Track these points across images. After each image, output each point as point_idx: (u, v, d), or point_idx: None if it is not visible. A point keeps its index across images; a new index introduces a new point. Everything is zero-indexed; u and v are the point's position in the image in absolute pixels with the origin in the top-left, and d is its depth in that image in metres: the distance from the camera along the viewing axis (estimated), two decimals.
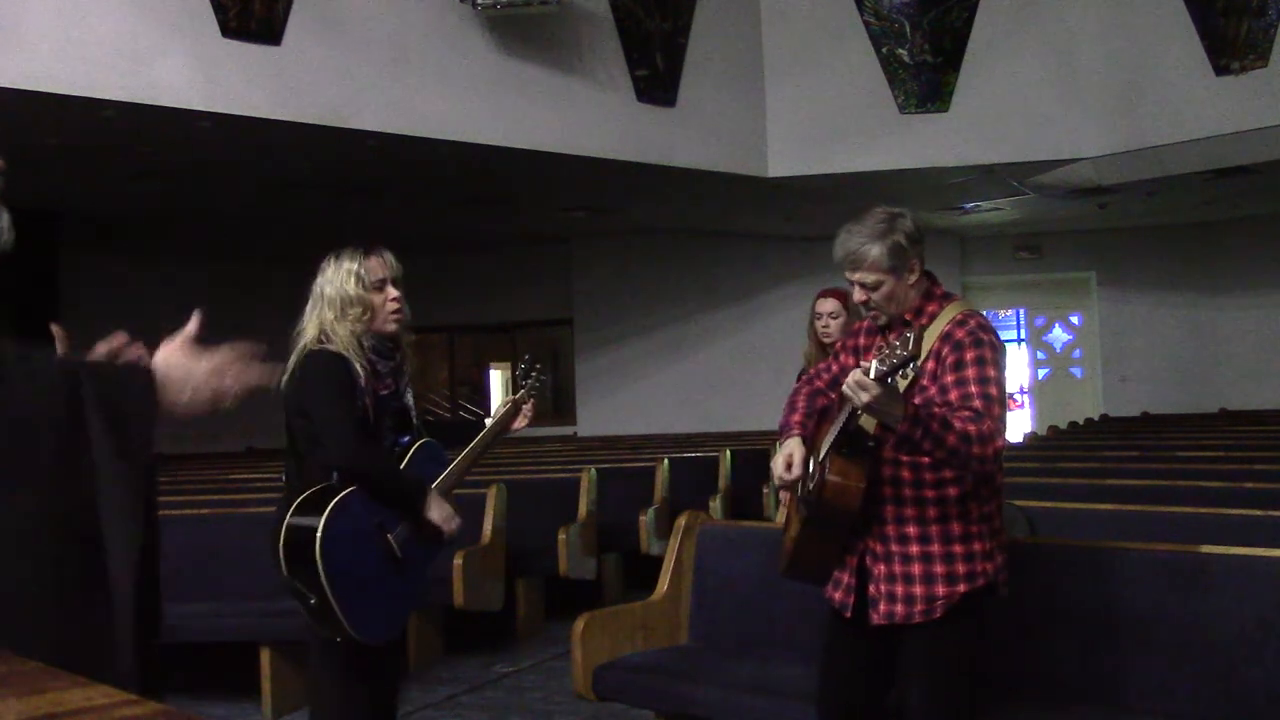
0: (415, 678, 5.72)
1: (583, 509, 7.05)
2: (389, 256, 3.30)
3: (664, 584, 4.29)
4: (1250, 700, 3.04)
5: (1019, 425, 13.42)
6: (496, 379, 15.37)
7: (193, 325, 1.94)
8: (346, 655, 3.19)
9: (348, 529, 3.08)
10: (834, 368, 3.10)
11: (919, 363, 2.61)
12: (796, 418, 2.98)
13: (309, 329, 3.25)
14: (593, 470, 7.31)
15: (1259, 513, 4.14)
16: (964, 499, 2.80)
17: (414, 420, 3.40)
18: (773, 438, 6.04)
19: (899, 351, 2.49)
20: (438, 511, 3.25)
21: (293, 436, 3.29)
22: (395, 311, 3.27)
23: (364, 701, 3.27)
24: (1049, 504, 4.70)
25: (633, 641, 4.14)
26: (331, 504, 3.07)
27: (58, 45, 6.45)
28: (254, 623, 5.08)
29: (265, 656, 5.10)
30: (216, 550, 5.60)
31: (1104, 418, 11.80)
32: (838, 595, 2.93)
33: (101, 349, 1.95)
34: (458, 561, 5.68)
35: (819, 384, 3.10)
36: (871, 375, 2.51)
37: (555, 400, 14.76)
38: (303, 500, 3.11)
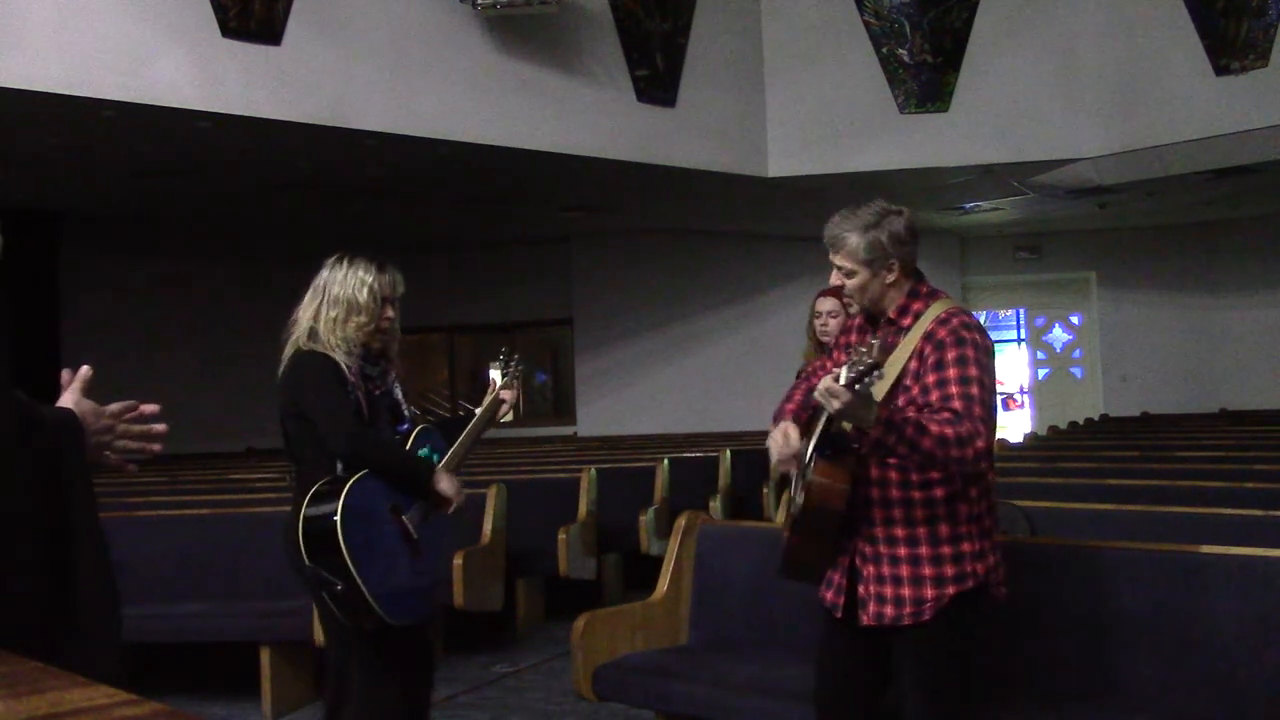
0: None
1: (583, 509, 7.05)
2: (399, 278, 3.43)
3: (664, 584, 4.29)
4: (1250, 700, 3.04)
5: (1019, 425, 13.41)
6: (496, 379, 15.32)
7: (84, 373, 1.96)
8: (375, 648, 3.25)
9: (365, 510, 3.17)
10: (828, 365, 3.10)
11: (882, 370, 2.58)
12: (790, 405, 2.98)
13: (303, 320, 3.35)
14: (593, 470, 7.31)
15: (1259, 513, 4.14)
16: (952, 500, 2.76)
17: (406, 413, 3.51)
18: None
19: (866, 359, 2.47)
20: (448, 484, 3.37)
21: (288, 438, 3.37)
22: (386, 330, 3.40)
23: (395, 695, 3.31)
24: (1049, 504, 4.70)
25: (633, 641, 4.14)
26: (347, 487, 3.15)
27: (58, 45, 6.45)
28: (254, 623, 5.09)
29: (265, 656, 5.09)
30: (216, 550, 5.61)
31: (1104, 418, 11.80)
32: (829, 595, 2.93)
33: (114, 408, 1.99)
34: (458, 561, 5.67)
35: (815, 382, 3.09)
36: (841, 381, 2.51)
37: (555, 400, 14.75)
38: (314, 493, 3.18)
